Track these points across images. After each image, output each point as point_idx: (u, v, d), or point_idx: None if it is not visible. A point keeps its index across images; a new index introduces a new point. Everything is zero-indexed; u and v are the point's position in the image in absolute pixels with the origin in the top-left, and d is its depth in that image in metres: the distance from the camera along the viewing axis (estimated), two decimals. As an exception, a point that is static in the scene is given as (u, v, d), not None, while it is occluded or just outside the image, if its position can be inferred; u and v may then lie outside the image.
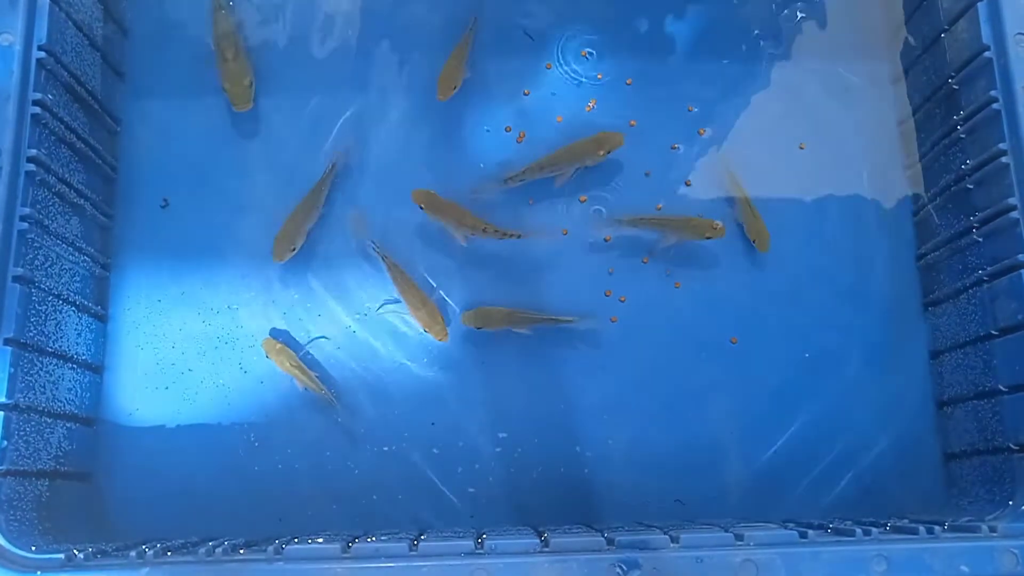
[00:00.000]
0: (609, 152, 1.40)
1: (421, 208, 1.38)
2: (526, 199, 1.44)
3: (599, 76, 1.49)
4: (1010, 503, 1.21)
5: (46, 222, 1.22)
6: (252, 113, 1.44)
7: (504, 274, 1.41)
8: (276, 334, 1.38)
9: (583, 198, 1.44)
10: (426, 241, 1.42)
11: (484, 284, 1.41)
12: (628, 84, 1.50)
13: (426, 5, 1.52)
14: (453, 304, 1.40)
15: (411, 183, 1.42)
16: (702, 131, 1.48)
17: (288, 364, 1.34)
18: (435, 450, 1.36)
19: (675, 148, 1.47)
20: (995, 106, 1.27)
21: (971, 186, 1.33)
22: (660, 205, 1.42)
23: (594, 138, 1.41)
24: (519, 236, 1.38)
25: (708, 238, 1.39)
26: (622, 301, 1.41)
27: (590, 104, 1.48)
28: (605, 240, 1.43)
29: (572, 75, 1.50)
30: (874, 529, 1.11)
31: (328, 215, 1.42)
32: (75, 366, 1.29)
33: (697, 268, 1.44)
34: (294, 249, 1.36)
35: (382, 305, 1.39)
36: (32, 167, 1.19)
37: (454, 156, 1.46)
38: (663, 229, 1.41)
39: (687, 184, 1.46)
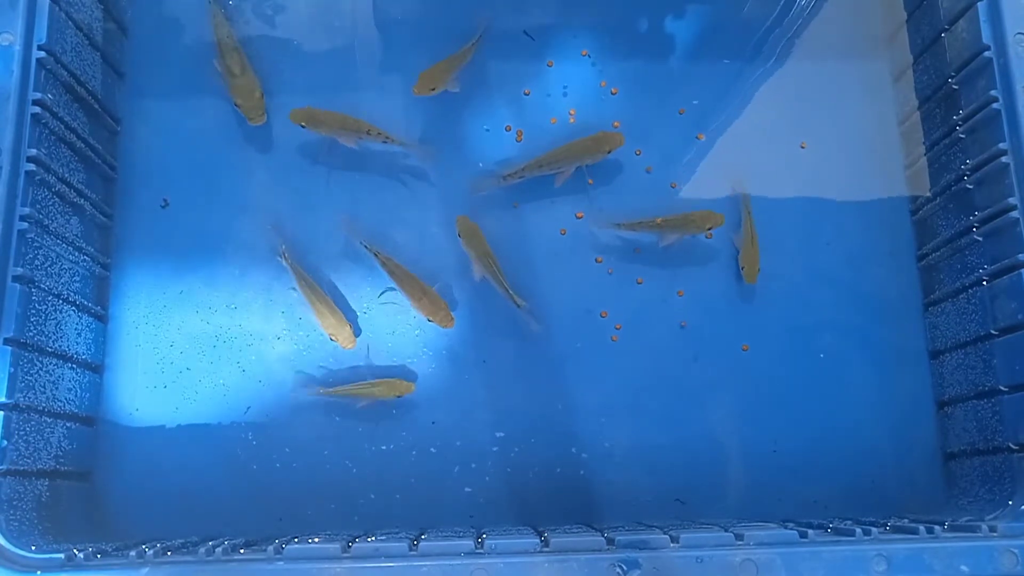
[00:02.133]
0: (610, 152, 1.40)
1: (303, 126, 1.39)
2: (530, 201, 1.44)
3: (603, 84, 1.49)
4: (1010, 503, 1.21)
5: (46, 222, 1.22)
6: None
7: (505, 271, 1.41)
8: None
9: (580, 214, 1.44)
10: (426, 242, 1.43)
11: (483, 285, 1.41)
12: (628, 84, 1.50)
13: (426, 5, 1.52)
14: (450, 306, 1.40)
15: (411, 182, 1.43)
16: (700, 136, 1.48)
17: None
18: (433, 449, 1.36)
19: (674, 149, 1.48)
20: (995, 106, 1.27)
21: (971, 186, 1.33)
22: (660, 220, 1.41)
23: (594, 137, 1.41)
24: (403, 144, 1.39)
25: (709, 229, 1.39)
26: (617, 329, 1.41)
27: (589, 104, 1.49)
28: (597, 261, 1.43)
29: (572, 75, 1.50)
30: (874, 529, 1.11)
31: (326, 215, 1.42)
32: (75, 366, 1.29)
33: (696, 269, 1.44)
34: (348, 323, 1.36)
35: (383, 292, 1.38)
36: (32, 167, 1.19)
37: (454, 155, 1.46)
38: (662, 230, 1.41)
39: (684, 186, 1.46)
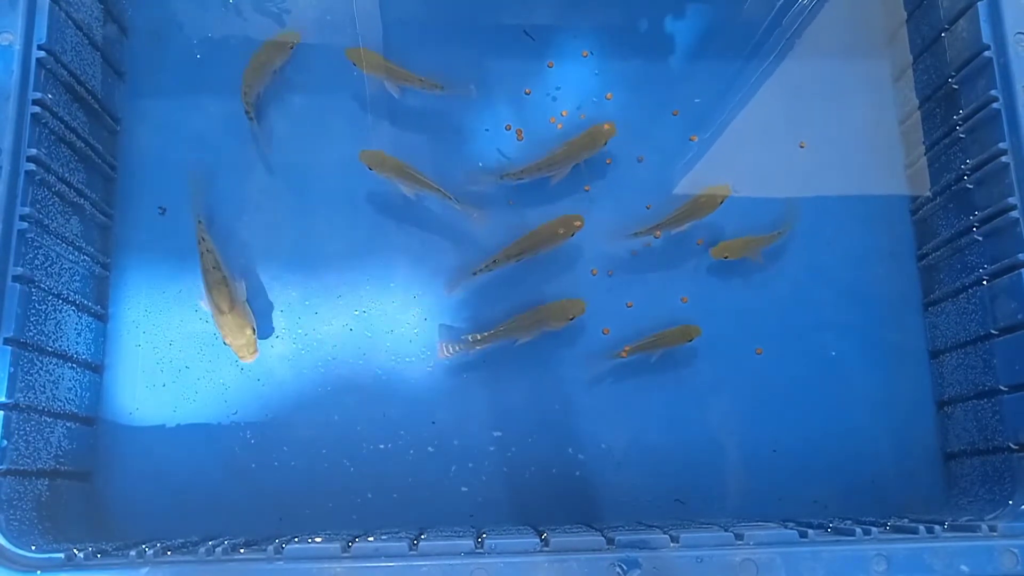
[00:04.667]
0: (605, 143, 1.40)
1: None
2: (528, 202, 1.44)
3: (603, 86, 1.49)
4: (1010, 502, 1.21)
5: (46, 222, 1.22)
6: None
7: (503, 278, 1.41)
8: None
9: (579, 222, 1.44)
10: (426, 241, 1.43)
11: (484, 285, 1.41)
12: (628, 84, 1.50)
13: (429, 6, 1.52)
14: (448, 305, 1.40)
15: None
16: (693, 137, 1.48)
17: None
18: (431, 448, 1.36)
19: (674, 148, 1.48)
20: (995, 106, 1.27)
21: (971, 185, 1.33)
22: (658, 233, 1.41)
23: (587, 133, 1.41)
24: (251, 117, 1.40)
25: (720, 203, 1.40)
26: (629, 306, 1.41)
27: (590, 105, 1.49)
28: (592, 273, 1.43)
29: (573, 75, 1.50)
30: (874, 529, 1.11)
31: (326, 215, 1.42)
32: (75, 365, 1.29)
33: (694, 267, 1.44)
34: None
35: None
36: (32, 167, 1.19)
37: (454, 155, 1.46)
38: (675, 223, 1.40)
39: (685, 186, 1.46)
